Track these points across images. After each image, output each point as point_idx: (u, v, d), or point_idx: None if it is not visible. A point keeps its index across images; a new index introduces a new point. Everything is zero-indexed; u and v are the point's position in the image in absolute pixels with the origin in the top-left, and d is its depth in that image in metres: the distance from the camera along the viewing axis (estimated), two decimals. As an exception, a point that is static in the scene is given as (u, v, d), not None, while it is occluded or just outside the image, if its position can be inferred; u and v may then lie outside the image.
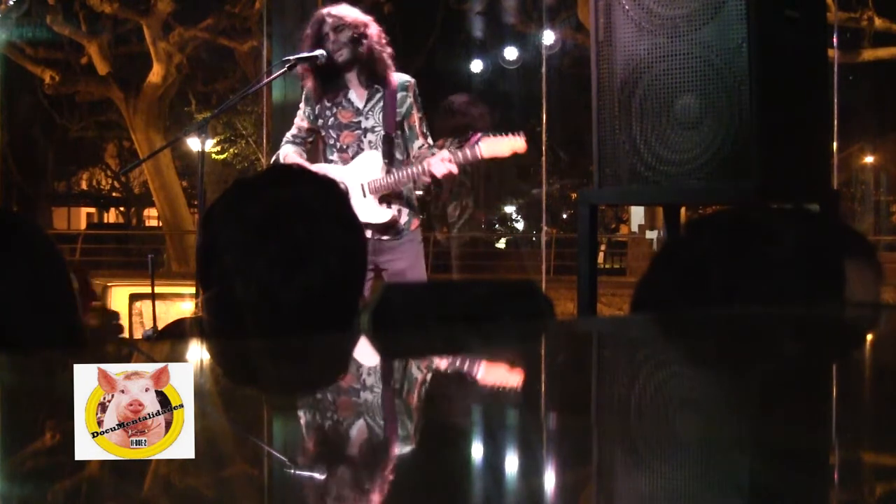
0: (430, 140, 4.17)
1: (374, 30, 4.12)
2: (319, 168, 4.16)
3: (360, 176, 4.08)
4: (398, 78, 4.14)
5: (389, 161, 4.09)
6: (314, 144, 4.36)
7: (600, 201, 3.71)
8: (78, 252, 17.66)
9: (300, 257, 1.56)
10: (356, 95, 4.15)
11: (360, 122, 4.13)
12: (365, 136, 4.13)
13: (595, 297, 3.48)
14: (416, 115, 4.12)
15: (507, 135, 3.87)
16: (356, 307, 1.63)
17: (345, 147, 4.15)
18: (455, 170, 3.91)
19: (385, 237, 4.13)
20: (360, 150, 4.12)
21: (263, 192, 1.62)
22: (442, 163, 3.89)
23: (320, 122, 4.21)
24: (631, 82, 3.26)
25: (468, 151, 3.91)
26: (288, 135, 4.35)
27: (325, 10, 4.18)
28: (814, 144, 3.30)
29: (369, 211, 4.05)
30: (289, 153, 4.28)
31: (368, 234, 4.06)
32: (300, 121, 4.30)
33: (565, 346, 1.28)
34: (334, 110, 4.17)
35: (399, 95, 4.12)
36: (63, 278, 1.57)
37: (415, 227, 4.20)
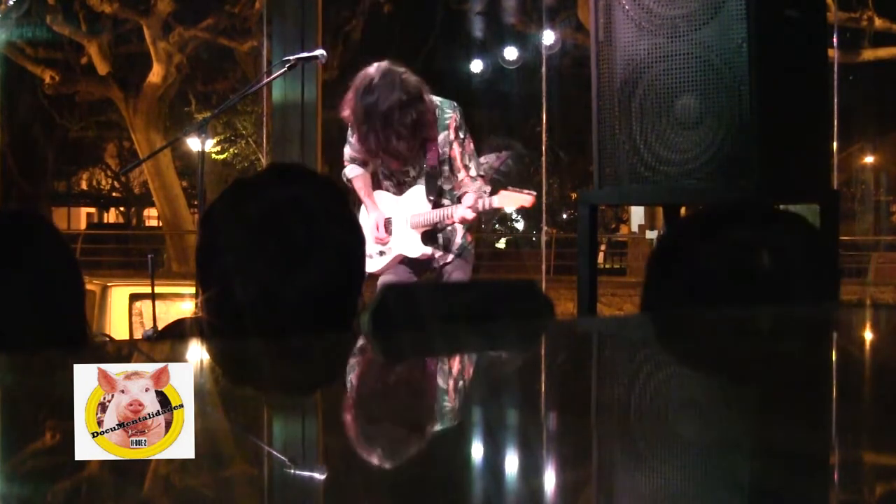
0: (472, 171, 4.11)
1: (427, 101, 3.98)
2: (377, 195, 4.14)
3: (406, 209, 4.11)
4: (439, 116, 4.04)
5: (436, 196, 4.09)
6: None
7: (600, 201, 3.71)
8: (78, 252, 17.64)
9: (299, 257, 1.56)
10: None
11: (407, 171, 4.11)
12: (409, 174, 4.12)
13: (595, 297, 3.48)
14: (456, 150, 4.06)
15: (522, 191, 4.11)
16: (355, 307, 1.63)
17: (399, 180, 4.14)
18: (472, 216, 4.05)
19: (445, 263, 4.14)
20: (408, 178, 4.12)
21: (263, 192, 1.62)
22: (464, 210, 4.02)
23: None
24: (631, 82, 3.25)
25: (487, 201, 4.07)
26: (346, 154, 4.21)
27: (381, 80, 3.89)
28: (814, 144, 3.30)
29: (408, 244, 4.11)
30: (355, 175, 4.16)
31: (406, 268, 4.10)
32: (350, 149, 4.18)
33: (565, 346, 1.28)
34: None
35: (441, 136, 4.06)
36: (75, 279, 1.58)
37: (469, 240, 4.22)
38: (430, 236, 4.15)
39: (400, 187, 4.15)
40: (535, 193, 4.17)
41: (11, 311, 1.47)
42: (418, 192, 4.11)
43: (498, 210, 4.22)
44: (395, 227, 4.13)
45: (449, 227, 4.16)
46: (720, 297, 1.38)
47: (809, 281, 1.42)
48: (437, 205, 4.10)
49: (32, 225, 1.57)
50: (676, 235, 1.60)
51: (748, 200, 2.82)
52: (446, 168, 4.11)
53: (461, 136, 4.09)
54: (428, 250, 4.13)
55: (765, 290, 1.39)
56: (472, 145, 4.15)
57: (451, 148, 4.08)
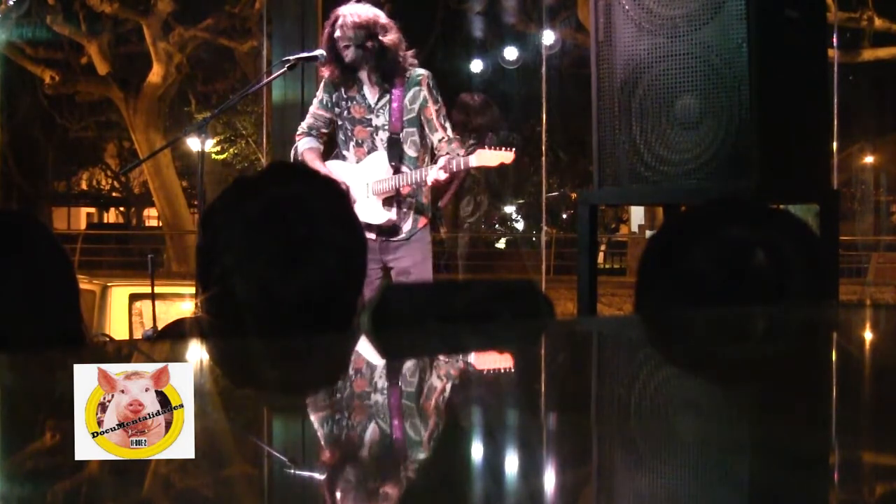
0: (449, 132, 4.16)
1: (391, 35, 4.11)
2: (331, 165, 4.19)
3: (366, 176, 4.12)
4: (411, 73, 4.14)
5: (397, 162, 4.11)
6: (330, 137, 4.34)
7: (600, 201, 3.71)
8: (78, 252, 17.64)
9: (299, 256, 1.56)
10: (369, 92, 4.17)
11: (371, 120, 4.15)
12: (377, 134, 4.15)
13: (595, 297, 3.48)
14: (432, 108, 4.13)
15: (499, 148, 3.97)
16: (355, 307, 1.63)
17: (360, 142, 4.17)
18: (444, 177, 3.97)
19: (392, 238, 4.15)
20: (374, 146, 4.15)
21: (263, 191, 1.62)
22: (437, 171, 3.96)
23: (337, 110, 4.22)
24: (631, 82, 3.25)
25: (461, 160, 3.97)
26: (303, 125, 4.32)
27: (341, 9, 4.17)
28: (814, 144, 3.30)
29: (371, 211, 4.10)
30: (306, 147, 4.27)
31: (371, 235, 4.09)
32: (317, 109, 4.28)
33: (565, 346, 1.28)
34: (349, 104, 4.19)
35: (411, 92, 4.13)
36: (68, 278, 1.58)
37: (422, 226, 4.21)
38: (391, 202, 4.14)
39: (361, 151, 4.17)
40: (514, 149, 4.03)
41: (5, 310, 1.46)
42: (379, 157, 4.13)
43: (474, 170, 4.08)
44: (355, 195, 4.12)
45: (404, 209, 4.15)
46: (710, 296, 1.39)
47: (801, 278, 1.42)
48: (397, 171, 4.11)
49: (24, 224, 1.57)
50: (665, 236, 1.60)
51: (737, 199, 2.82)
52: (415, 130, 4.12)
53: (435, 94, 4.15)
54: (392, 215, 4.12)
55: (755, 288, 1.39)
56: (444, 108, 4.20)
57: (426, 106, 4.11)
